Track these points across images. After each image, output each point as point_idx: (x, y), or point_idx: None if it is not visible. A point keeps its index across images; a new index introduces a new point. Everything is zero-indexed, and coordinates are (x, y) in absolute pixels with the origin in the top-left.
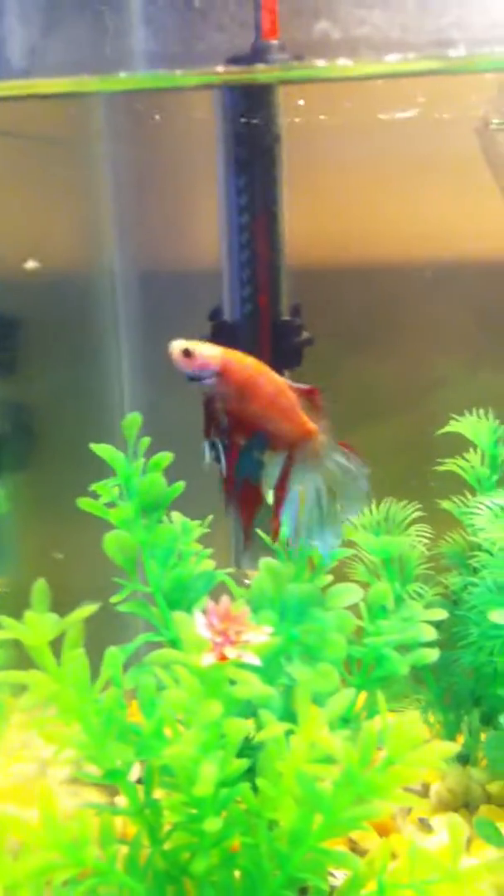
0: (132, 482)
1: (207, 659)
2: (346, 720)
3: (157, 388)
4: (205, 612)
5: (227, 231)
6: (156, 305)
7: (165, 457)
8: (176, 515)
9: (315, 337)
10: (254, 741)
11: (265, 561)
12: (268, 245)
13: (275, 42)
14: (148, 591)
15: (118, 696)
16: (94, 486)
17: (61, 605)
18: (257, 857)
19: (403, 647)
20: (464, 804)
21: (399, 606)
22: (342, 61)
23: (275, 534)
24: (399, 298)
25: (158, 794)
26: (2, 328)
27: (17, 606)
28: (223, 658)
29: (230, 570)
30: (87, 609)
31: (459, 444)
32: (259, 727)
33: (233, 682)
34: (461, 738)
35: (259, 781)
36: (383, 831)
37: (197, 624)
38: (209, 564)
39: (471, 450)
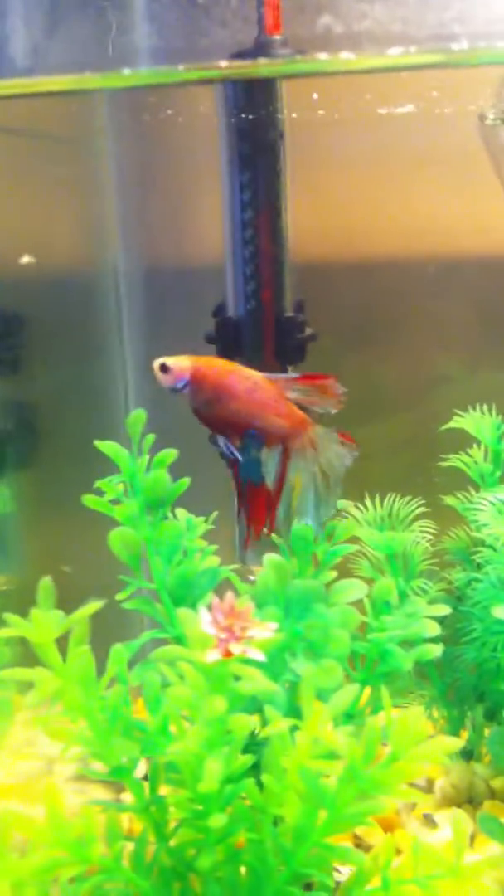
0: (137, 479)
1: (212, 655)
2: (350, 716)
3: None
4: (209, 608)
5: (230, 227)
6: (159, 302)
7: (170, 453)
8: (180, 512)
9: (318, 333)
10: (258, 737)
11: (269, 557)
12: (271, 241)
13: (278, 37)
14: (153, 587)
15: (123, 692)
16: (98, 483)
17: (66, 603)
18: (262, 853)
19: (407, 643)
20: (467, 800)
21: (403, 602)
22: (345, 55)
23: (270, 526)
24: (402, 294)
25: (164, 790)
26: (6, 326)
27: (22, 604)
28: (228, 654)
29: (235, 566)
30: (93, 606)
31: (463, 440)
32: (264, 723)
33: (237, 679)
34: (465, 734)
35: (264, 777)
36: (388, 827)
37: (202, 620)
38: (214, 561)
39: (474, 446)
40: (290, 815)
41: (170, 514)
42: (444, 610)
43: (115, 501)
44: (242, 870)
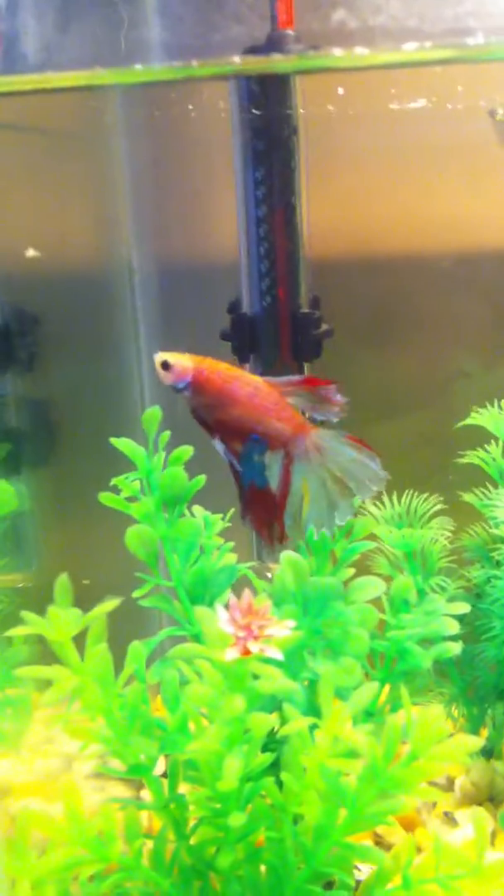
0: (153, 476)
1: (231, 653)
2: (369, 714)
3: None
4: (227, 606)
5: (245, 223)
6: (174, 299)
7: (186, 451)
8: (197, 509)
9: (334, 329)
10: (278, 735)
11: (287, 555)
12: (286, 237)
13: (290, 32)
14: (170, 585)
15: (142, 690)
16: (115, 481)
17: (84, 601)
18: (282, 851)
19: (426, 641)
20: (488, 798)
21: (422, 600)
22: (359, 50)
23: (280, 534)
24: (418, 289)
25: (183, 788)
26: (21, 324)
27: (40, 602)
28: (246, 652)
29: (252, 563)
30: (110, 604)
31: (481, 437)
32: (283, 721)
33: (256, 677)
34: (485, 732)
35: (283, 776)
36: (408, 825)
37: (220, 618)
38: (231, 558)
39: (492, 442)
40: (310, 813)
41: (186, 512)
42: (464, 607)
43: (132, 499)
44: (262, 868)
